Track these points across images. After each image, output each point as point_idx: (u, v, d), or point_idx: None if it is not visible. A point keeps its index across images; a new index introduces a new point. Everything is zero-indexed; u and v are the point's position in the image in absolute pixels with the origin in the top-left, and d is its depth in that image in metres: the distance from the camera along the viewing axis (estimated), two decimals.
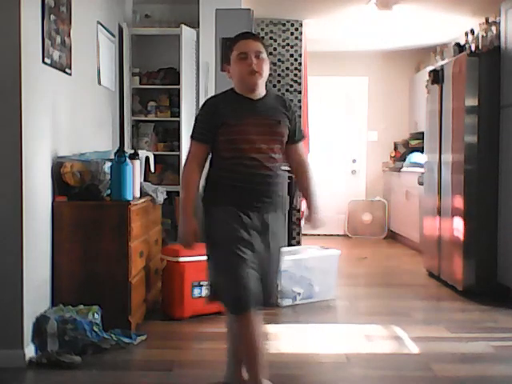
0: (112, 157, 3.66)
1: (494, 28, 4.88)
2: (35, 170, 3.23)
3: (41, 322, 3.21)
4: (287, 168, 2.76)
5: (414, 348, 3.52)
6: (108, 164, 3.58)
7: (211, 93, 5.01)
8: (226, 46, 2.64)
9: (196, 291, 3.94)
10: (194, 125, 2.62)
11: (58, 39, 3.54)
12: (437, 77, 5.39)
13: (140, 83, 5.51)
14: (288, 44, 6.66)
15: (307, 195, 2.76)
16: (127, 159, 3.61)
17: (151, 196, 4.09)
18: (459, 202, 4.90)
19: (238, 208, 2.51)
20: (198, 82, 5.41)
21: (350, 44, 7.82)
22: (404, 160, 7.70)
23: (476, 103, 4.76)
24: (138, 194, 3.84)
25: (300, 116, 6.63)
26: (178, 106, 5.31)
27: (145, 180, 4.38)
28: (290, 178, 5.92)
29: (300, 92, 6.66)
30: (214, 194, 2.57)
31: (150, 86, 5.53)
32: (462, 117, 4.83)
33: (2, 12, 3.00)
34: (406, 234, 7.51)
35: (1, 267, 3.08)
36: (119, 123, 5.29)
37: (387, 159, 8.41)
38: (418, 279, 5.55)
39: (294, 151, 2.71)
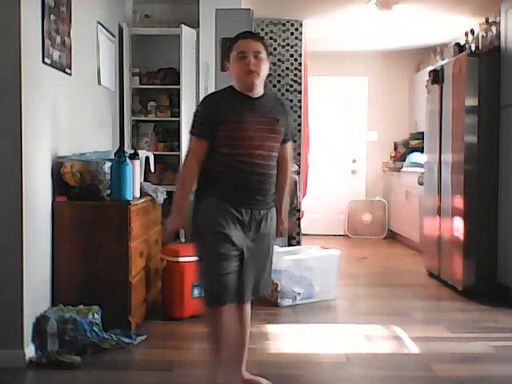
0: (112, 157, 3.66)
1: (493, 28, 4.88)
2: (35, 170, 3.23)
3: (41, 322, 3.21)
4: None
5: (414, 348, 3.52)
6: (108, 164, 3.58)
7: None
8: (227, 46, 2.66)
9: (196, 291, 3.94)
10: (194, 120, 2.63)
11: (58, 39, 3.54)
12: (437, 77, 5.39)
13: (140, 83, 5.51)
14: (288, 44, 6.67)
15: (278, 196, 2.76)
16: (127, 159, 3.61)
17: (151, 196, 4.09)
18: (459, 202, 4.90)
19: (230, 203, 2.55)
20: (198, 81, 5.41)
21: (350, 44, 7.82)
22: (404, 160, 7.70)
23: (476, 103, 4.76)
24: (137, 194, 3.84)
25: (300, 116, 6.64)
26: (178, 106, 5.31)
27: (145, 180, 4.38)
28: None
29: (300, 92, 6.66)
30: (208, 187, 2.60)
31: (150, 86, 5.53)
32: (462, 117, 4.83)
33: (2, 12, 3.00)
34: (406, 234, 7.51)
35: (1, 267, 3.08)
36: (119, 123, 5.29)
37: (387, 159, 8.41)
38: (418, 279, 5.55)
39: (282, 150, 2.72)
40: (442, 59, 6.11)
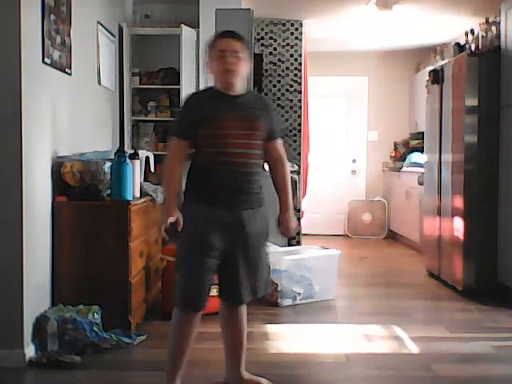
0: (112, 157, 3.66)
1: (494, 28, 4.88)
2: (35, 170, 3.23)
3: (41, 322, 3.21)
4: (266, 167, 2.78)
5: (414, 348, 3.52)
6: (108, 164, 3.58)
7: None
8: (208, 43, 2.66)
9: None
10: (176, 120, 2.67)
11: (58, 39, 3.54)
12: (437, 77, 5.39)
13: (140, 83, 5.50)
14: (288, 44, 6.67)
15: (281, 193, 2.78)
16: (127, 159, 3.61)
17: (151, 196, 4.09)
18: (459, 202, 4.90)
19: (212, 205, 2.54)
20: (198, 82, 5.41)
21: (350, 44, 7.82)
22: (404, 160, 7.70)
23: (476, 103, 4.76)
24: (138, 194, 3.84)
25: (300, 116, 6.64)
26: (178, 106, 5.31)
27: (145, 180, 4.38)
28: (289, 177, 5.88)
29: (300, 92, 6.66)
30: (191, 190, 2.60)
31: (149, 85, 5.53)
32: (462, 117, 4.83)
33: (2, 12, 3.00)
34: (406, 234, 7.51)
35: (1, 267, 3.08)
36: (119, 123, 5.29)
37: (387, 159, 8.41)
38: (418, 279, 5.55)
39: (272, 149, 2.72)
40: (442, 59, 6.12)
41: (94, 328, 3.28)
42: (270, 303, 4.41)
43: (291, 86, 6.66)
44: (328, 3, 5.93)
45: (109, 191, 3.58)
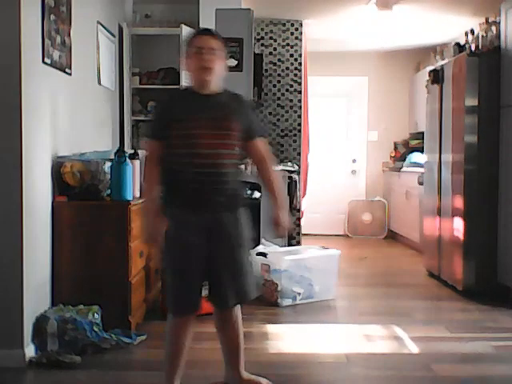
0: (112, 157, 3.66)
1: (494, 28, 4.88)
2: (35, 170, 3.23)
3: (41, 322, 3.21)
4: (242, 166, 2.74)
5: (414, 348, 3.52)
6: (108, 164, 3.58)
7: None
8: (186, 42, 2.63)
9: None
10: (149, 122, 2.67)
11: (58, 39, 3.54)
12: (437, 77, 5.39)
13: (140, 83, 5.51)
14: (288, 44, 6.67)
15: (269, 193, 2.72)
16: (127, 159, 3.61)
17: None
18: (459, 202, 4.90)
19: (189, 209, 2.51)
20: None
21: (350, 44, 7.82)
22: (404, 160, 7.70)
23: (476, 103, 4.76)
24: (138, 194, 3.84)
25: (300, 116, 6.64)
26: None
27: None
28: (290, 177, 5.92)
29: (300, 92, 6.66)
30: (168, 194, 2.57)
31: (149, 85, 5.53)
32: (462, 117, 4.83)
33: (2, 12, 3.00)
34: (406, 234, 7.51)
35: (1, 267, 3.08)
36: (119, 123, 5.29)
37: (387, 159, 8.41)
38: (417, 279, 5.55)
39: (254, 148, 2.67)
40: (442, 59, 6.11)
41: (94, 328, 3.28)
42: (270, 303, 4.42)
43: (291, 86, 6.66)
44: (328, 3, 5.93)
45: (109, 191, 3.57)
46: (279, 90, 6.64)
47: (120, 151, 3.60)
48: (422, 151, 6.36)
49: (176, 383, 2.67)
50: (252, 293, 2.69)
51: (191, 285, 2.55)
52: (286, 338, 3.71)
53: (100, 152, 3.98)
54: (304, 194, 6.61)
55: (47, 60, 3.36)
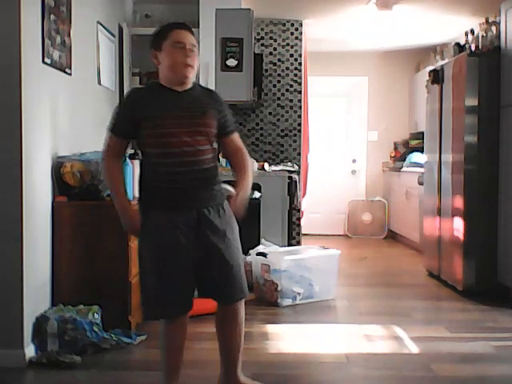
0: None
1: (493, 28, 4.88)
2: (35, 170, 3.24)
3: (41, 322, 3.21)
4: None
5: (414, 348, 3.52)
6: None
7: None
8: (158, 33, 2.53)
9: (196, 291, 3.93)
10: (113, 117, 2.54)
11: (58, 39, 3.54)
12: (437, 77, 5.39)
13: (140, 83, 5.50)
14: (288, 44, 6.66)
15: (237, 176, 2.63)
16: (127, 159, 3.61)
17: None
18: (459, 202, 4.90)
19: (170, 209, 2.45)
20: (198, 82, 5.41)
21: (350, 44, 7.82)
22: (404, 160, 7.70)
23: (476, 103, 4.76)
24: (137, 194, 3.83)
25: (300, 116, 6.64)
26: None
27: None
28: (289, 177, 5.90)
29: (300, 92, 6.66)
30: (145, 195, 2.51)
31: None
32: (462, 117, 4.83)
33: (2, 12, 3.00)
34: (406, 234, 7.51)
35: (1, 267, 3.08)
36: None
37: (387, 159, 8.42)
38: (417, 279, 5.55)
39: (229, 143, 2.64)
40: (442, 59, 6.11)
41: (94, 328, 3.28)
42: (270, 303, 4.42)
43: (291, 86, 6.66)
44: (328, 3, 5.93)
45: (109, 191, 3.57)
46: (279, 90, 6.64)
47: None
48: (421, 151, 6.36)
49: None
50: (245, 288, 2.61)
51: (178, 285, 2.48)
52: (286, 338, 3.71)
53: (100, 152, 3.96)
54: (304, 194, 6.61)
55: (47, 60, 3.36)
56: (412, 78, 8.24)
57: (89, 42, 4.31)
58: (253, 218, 5.09)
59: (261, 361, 3.25)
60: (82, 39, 4.04)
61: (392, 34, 7.24)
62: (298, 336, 3.77)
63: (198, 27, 5.37)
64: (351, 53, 8.22)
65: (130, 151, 3.97)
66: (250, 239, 4.93)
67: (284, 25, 6.66)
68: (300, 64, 6.68)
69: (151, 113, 2.44)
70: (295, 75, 6.66)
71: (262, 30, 6.65)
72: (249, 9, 5.40)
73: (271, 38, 6.66)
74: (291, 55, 6.67)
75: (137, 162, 3.85)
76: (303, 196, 6.50)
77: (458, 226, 4.90)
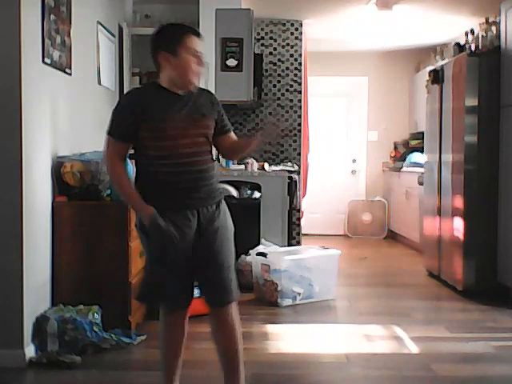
0: None
1: (493, 28, 4.88)
2: (35, 170, 3.24)
3: (41, 322, 3.21)
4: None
5: (413, 348, 3.52)
6: None
7: None
8: (171, 35, 2.48)
9: (196, 291, 3.93)
10: (112, 119, 2.50)
11: (58, 39, 3.54)
12: (437, 77, 5.39)
13: (140, 83, 5.50)
14: (288, 44, 6.66)
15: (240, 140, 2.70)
16: (127, 159, 3.60)
17: None
18: (459, 202, 4.90)
19: (169, 209, 2.44)
20: (198, 82, 5.41)
21: (350, 44, 7.82)
22: (404, 160, 7.70)
23: (476, 103, 4.76)
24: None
25: (300, 116, 6.64)
26: None
27: None
28: (290, 177, 5.90)
29: (300, 92, 6.66)
30: (143, 195, 2.47)
31: None
32: (462, 117, 4.83)
33: (2, 12, 3.00)
34: (406, 233, 7.51)
35: (1, 267, 3.08)
36: None
37: (387, 159, 8.41)
38: (417, 279, 5.55)
39: (226, 140, 2.65)
40: (442, 59, 6.12)
41: (94, 328, 3.28)
42: (270, 303, 4.42)
43: (291, 86, 6.66)
44: (328, 3, 5.93)
45: (109, 191, 3.58)
46: (279, 90, 6.64)
47: None
48: (422, 151, 6.36)
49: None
50: (236, 291, 2.58)
51: (178, 283, 2.50)
52: (286, 338, 3.71)
53: (100, 152, 3.96)
54: (304, 193, 6.61)
55: (47, 60, 3.36)
56: (412, 78, 8.24)
57: (89, 42, 4.31)
58: (253, 218, 5.09)
59: (261, 361, 3.25)
60: (82, 39, 4.04)
61: (392, 34, 7.24)
62: (298, 336, 3.78)
63: (198, 27, 5.37)
64: (351, 53, 8.22)
65: (130, 151, 3.97)
66: (250, 239, 4.94)
67: (284, 25, 6.66)
68: (300, 64, 6.68)
69: (152, 116, 2.42)
70: (295, 75, 6.66)
71: (262, 30, 6.65)
72: (249, 9, 5.40)
73: (271, 38, 6.66)
74: (291, 55, 6.67)
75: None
76: (303, 196, 6.51)
77: (458, 225, 4.90)
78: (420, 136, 6.99)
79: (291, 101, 6.64)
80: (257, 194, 5.22)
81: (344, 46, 7.90)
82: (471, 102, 4.77)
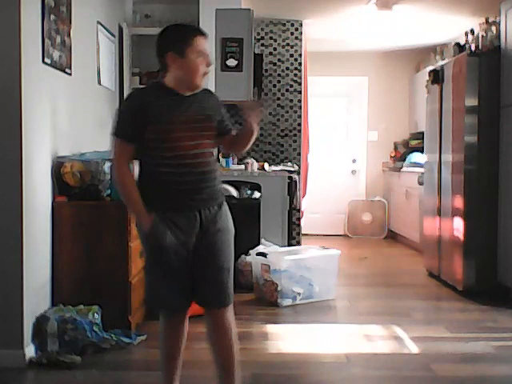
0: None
1: (493, 28, 4.88)
2: (35, 170, 3.23)
3: (41, 322, 3.21)
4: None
5: (414, 348, 3.52)
6: (108, 164, 3.58)
7: None
8: (179, 36, 2.47)
9: None
10: (117, 120, 2.47)
11: (58, 39, 3.54)
12: (437, 77, 5.39)
13: (140, 83, 5.50)
14: (288, 44, 6.66)
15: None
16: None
17: None
18: (459, 202, 4.90)
19: (171, 210, 2.43)
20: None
21: (350, 44, 7.82)
22: (404, 160, 7.70)
23: (476, 103, 4.76)
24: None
25: (300, 116, 6.64)
26: None
27: None
28: (290, 177, 5.90)
29: (300, 92, 6.66)
30: (146, 196, 2.45)
31: None
32: (462, 117, 4.83)
33: (2, 12, 3.00)
34: (406, 233, 7.51)
35: (1, 267, 3.08)
36: None
37: (387, 159, 8.41)
38: (418, 279, 5.55)
39: (228, 139, 2.65)
40: (442, 59, 6.12)
41: (94, 328, 3.28)
42: (270, 303, 4.42)
43: (291, 86, 6.66)
44: (328, 3, 5.93)
45: (109, 191, 3.58)
46: (279, 90, 6.64)
47: None
48: (422, 151, 6.36)
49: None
50: (232, 295, 2.56)
51: (178, 285, 2.49)
52: (286, 338, 3.71)
53: (100, 152, 3.97)
54: (304, 193, 6.61)
55: (47, 60, 3.36)
56: (412, 78, 8.24)
57: (89, 42, 4.31)
58: (253, 218, 5.09)
59: (261, 361, 3.25)
60: (81, 39, 4.04)
61: (392, 33, 7.24)
62: (298, 336, 3.78)
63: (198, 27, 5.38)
64: (351, 53, 8.22)
65: None
66: (250, 239, 4.94)
67: (284, 25, 6.66)
68: (300, 64, 6.68)
69: (158, 117, 2.40)
70: (295, 75, 6.66)
71: (262, 30, 6.65)
72: (249, 9, 5.41)
73: (271, 38, 6.66)
74: (291, 55, 6.67)
75: (137, 162, 3.86)
76: (303, 196, 6.50)
77: (458, 225, 4.90)
78: (420, 136, 6.99)
79: (291, 101, 6.64)
80: (257, 194, 5.22)
81: (344, 45, 7.90)
82: (471, 102, 4.77)
